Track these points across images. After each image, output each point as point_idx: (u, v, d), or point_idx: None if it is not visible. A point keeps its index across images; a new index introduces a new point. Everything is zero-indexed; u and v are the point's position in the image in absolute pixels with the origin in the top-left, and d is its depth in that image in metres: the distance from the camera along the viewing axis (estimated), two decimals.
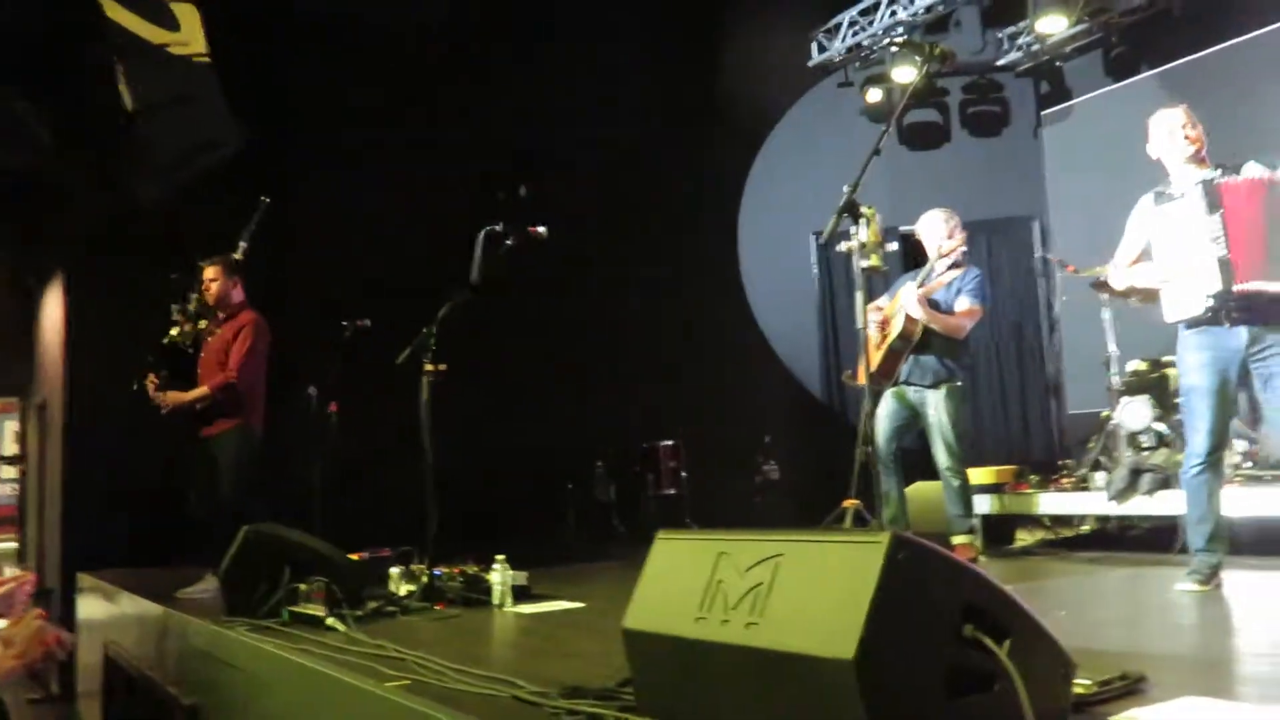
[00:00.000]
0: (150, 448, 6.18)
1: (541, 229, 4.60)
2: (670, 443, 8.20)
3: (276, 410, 5.66)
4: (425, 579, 4.24)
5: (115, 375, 5.72)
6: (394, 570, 4.50)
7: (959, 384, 5.03)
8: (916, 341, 5.00)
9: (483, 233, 4.50)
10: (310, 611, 3.72)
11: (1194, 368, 3.78)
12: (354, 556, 4.53)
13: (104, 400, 6.58)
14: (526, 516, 7.84)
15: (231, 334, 5.36)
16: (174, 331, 5.42)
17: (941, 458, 5.03)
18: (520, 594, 4.20)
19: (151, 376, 5.32)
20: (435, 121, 7.67)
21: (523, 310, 7.73)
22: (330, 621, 3.59)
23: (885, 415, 5.13)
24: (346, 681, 2.69)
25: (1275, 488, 4.56)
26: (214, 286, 5.41)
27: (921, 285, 5.04)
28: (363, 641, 3.21)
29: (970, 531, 5.07)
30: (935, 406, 4.99)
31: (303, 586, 3.81)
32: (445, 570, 4.36)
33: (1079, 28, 8.12)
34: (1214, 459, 3.77)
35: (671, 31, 8.07)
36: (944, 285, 5.09)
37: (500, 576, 4.14)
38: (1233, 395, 3.82)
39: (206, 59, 6.62)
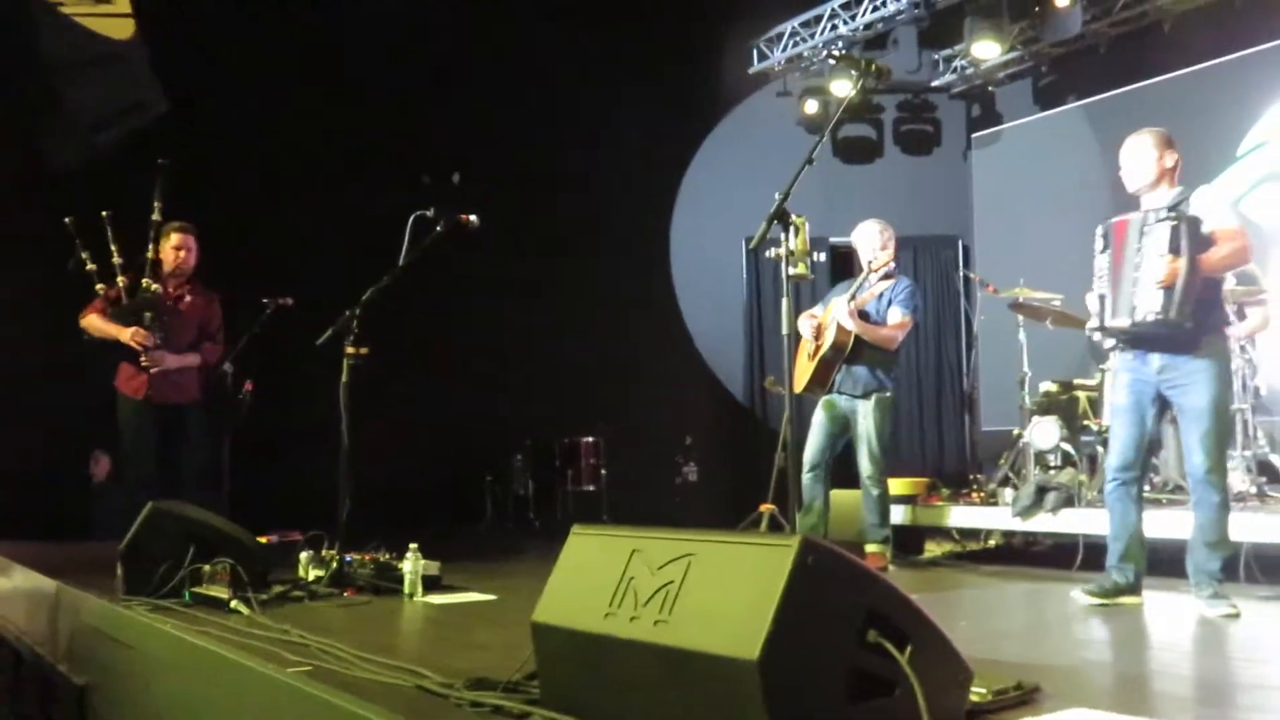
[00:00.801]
0: (32, 417, 6.01)
1: (474, 218, 4.56)
2: (591, 439, 8.20)
3: None
4: (335, 565, 4.17)
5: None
6: (303, 555, 4.42)
7: (888, 395, 5.14)
8: (848, 352, 5.08)
9: (413, 217, 4.44)
10: (213, 593, 3.63)
11: (1117, 387, 3.96)
12: (262, 539, 4.44)
13: None
14: (442, 507, 7.78)
15: (204, 305, 5.37)
16: (148, 284, 5.23)
17: (864, 466, 5.13)
18: (431, 584, 4.16)
19: (140, 331, 5.11)
20: (365, 101, 7.55)
21: (450, 299, 7.67)
22: (234, 604, 3.51)
23: (818, 426, 5.24)
24: (247, 666, 2.63)
25: (1171, 510, 4.73)
26: (186, 254, 5.33)
27: (853, 297, 5.13)
28: (266, 626, 3.15)
29: (884, 541, 5.17)
30: (865, 416, 5.09)
31: (207, 567, 3.72)
32: (356, 557, 4.30)
33: (1011, 55, 8.33)
34: (1126, 477, 3.87)
35: (613, 27, 8.07)
36: (875, 297, 5.19)
37: (412, 565, 4.09)
38: (1149, 417, 3.90)
39: (132, 20, 6.42)
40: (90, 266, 5.24)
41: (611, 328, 8.24)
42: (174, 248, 5.29)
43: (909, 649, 1.81)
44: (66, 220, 5.27)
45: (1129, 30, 7.78)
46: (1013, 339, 6.04)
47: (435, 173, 7.46)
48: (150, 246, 5.25)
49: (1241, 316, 5.28)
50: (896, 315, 5.11)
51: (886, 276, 5.20)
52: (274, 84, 7.21)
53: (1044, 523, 5.07)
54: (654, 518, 6.82)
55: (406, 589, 4.08)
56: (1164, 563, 4.21)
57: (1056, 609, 4.03)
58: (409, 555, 4.13)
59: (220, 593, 3.61)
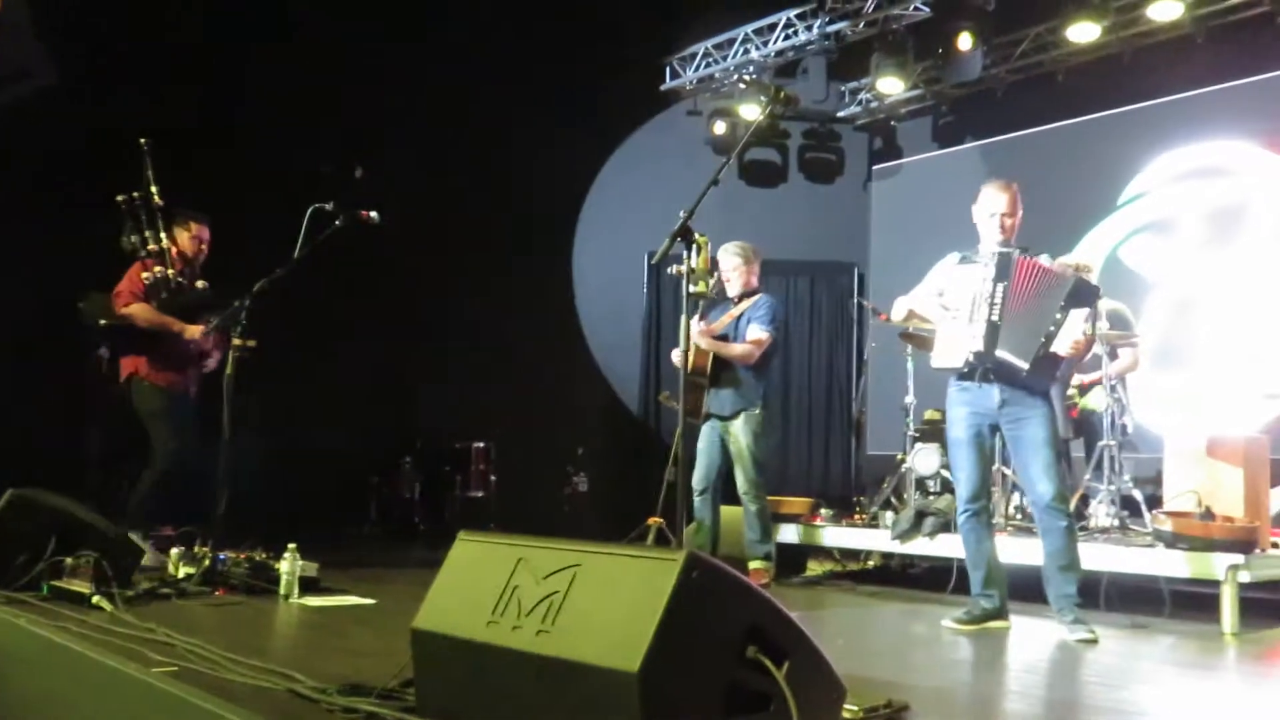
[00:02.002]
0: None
1: (374, 214, 4.49)
2: (482, 444, 8.12)
3: (61, 369, 5.28)
4: (207, 562, 4.04)
5: None
6: (174, 550, 4.28)
7: (757, 411, 5.25)
8: (711, 374, 5.19)
9: (310, 210, 4.35)
10: (74, 588, 3.48)
11: (955, 421, 4.07)
12: (131, 534, 4.27)
13: None
14: (326, 507, 7.59)
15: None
16: (204, 285, 5.16)
17: (741, 483, 5.22)
18: (309, 585, 4.06)
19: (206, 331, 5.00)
20: (267, 94, 7.35)
21: (344, 296, 7.51)
22: (96, 600, 3.37)
23: (700, 450, 5.33)
24: (108, 664, 2.52)
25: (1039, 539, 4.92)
26: (205, 246, 5.21)
27: (703, 317, 5.29)
28: (130, 623, 3.03)
29: (766, 557, 5.25)
30: (737, 434, 5.20)
31: (69, 560, 3.55)
32: (231, 555, 4.17)
33: (914, 92, 8.60)
34: (975, 508, 4.03)
35: (528, 33, 8.05)
36: (735, 317, 5.30)
37: (289, 566, 3.99)
38: (989, 448, 4.13)
39: None
40: (152, 247, 5.01)
41: (510, 334, 8.18)
42: (193, 238, 5.13)
43: (786, 665, 1.84)
44: (119, 199, 5.02)
45: (1025, 78, 8.11)
46: (900, 367, 6.22)
47: (336, 164, 7.30)
48: (162, 234, 5.03)
49: (1113, 357, 5.54)
50: (755, 332, 5.25)
51: (749, 295, 5.32)
52: (168, 65, 6.97)
53: (921, 546, 5.22)
54: (542, 527, 6.77)
55: (282, 590, 3.97)
56: (1032, 588, 4.38)
57: (928, 630, 4.15)
58: (286, 555, 4.03)
59: (82, 587, 3.45)
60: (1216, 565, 4.16)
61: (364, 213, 4.51)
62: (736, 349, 5.22)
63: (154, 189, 4.97)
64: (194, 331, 4.94)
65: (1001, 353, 3.86)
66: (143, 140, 5.03)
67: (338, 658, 2.82)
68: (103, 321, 5.04)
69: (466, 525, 5.93)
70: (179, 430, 4.97)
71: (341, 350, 7.68)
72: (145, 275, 4.97)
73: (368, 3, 7.68)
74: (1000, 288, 3.89)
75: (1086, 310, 3.94)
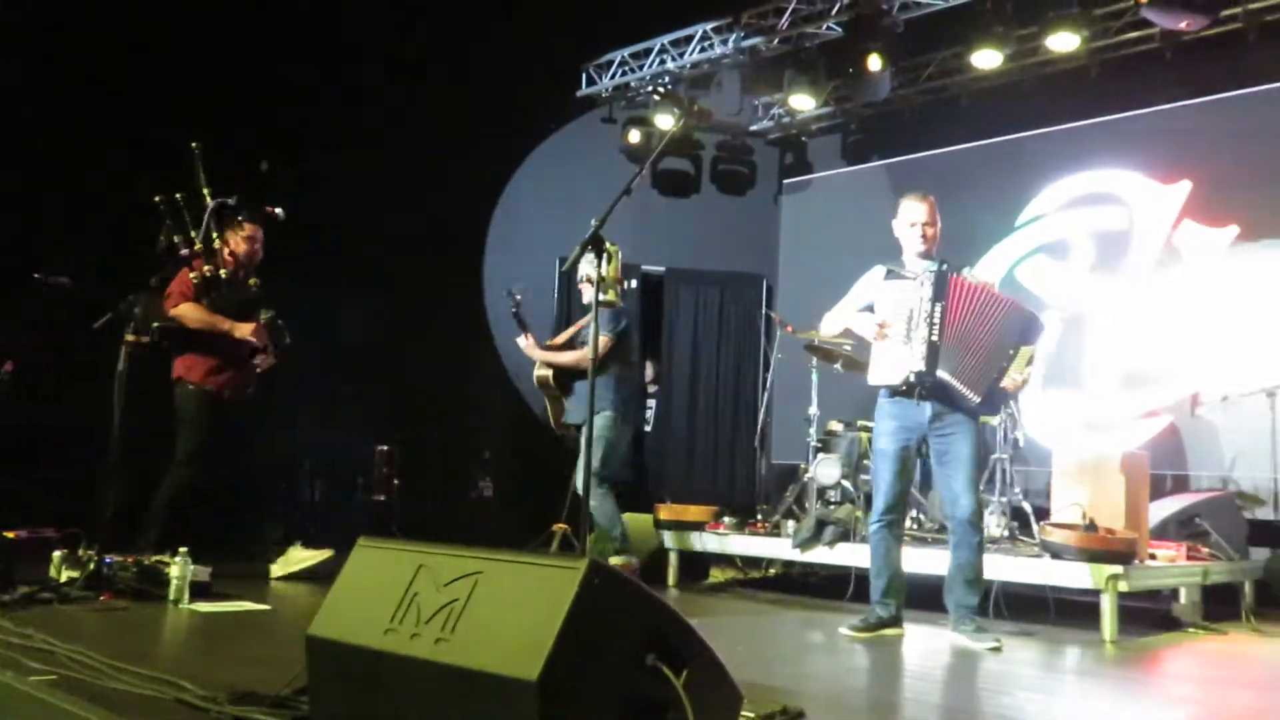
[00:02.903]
0: None
1: (279, 210, 4.40)
2: (385, 447, 7.99)
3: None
4: (92, 566, 3.89)
5: None
6: (57, 553, 4.10)
7: (605, 414, 5.28)
8: (559, 385, 5.33)
9: (213, 204, 4.23)
10: None
11: (884, 434, 4.12)
12: (9, 534, 4.09)
13: None
14: (221, 510, 7.37)
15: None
16: (255, 282, 4.99)
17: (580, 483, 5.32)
18: (200, 591, 3.95)
19: (260, 330, 4.84)
20: (169, 82, 7.13)
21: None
22: None
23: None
24: None
25: (936, 549, 5.06)
26: (259, 246, 5.01)
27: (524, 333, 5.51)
28: (6, 629, 2.90)
29: (621, 548, 5.34)
30: (586, 439, 5.25)
31: None
32: (118, 559, 4.02)
33: (824, 109, 8.78)
34: (890, 519, 4.14)
35: (444, 34, 7.97)
36: (582, 325, 5.38)
37: (180, 570, 3.87)
38: (912, 463, 4.23)
39: None
40: (187, 250, 4.75)
41: (416, 336, 8.08)
42: (247, 238, 4.92)
43: (685, 673, 1.86)
44: (157, 199, 4.75)
45: (932, 100, 8.35)
46: (805, 379, 6.33)
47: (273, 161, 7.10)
48: (214, 235, 4.81)
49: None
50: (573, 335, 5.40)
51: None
52: (78, 52, 6.71)
53: (821, 555, 5.32)
54: (445, 532, 6.71)
55: (172, 595, 3.85)
56: (926, 598, 4.50)
57: (825, 637, 4.23)
58: (177, 559, 3.91)
59: None
60: (1098, 576, 4.34)
61: (269, 208, 4.42)
62: (564, 357, 5.35)
63: (206, 190, 4.77)
64: (245, 330, 4.78)
65: (943, 374, 3.93)
66: (194, 144, 4.85)
67: (229, 665, 2.75)
68: (155, 324, 4.79)
69: (368, 529, 5.83)
70: (206, 441, 4.80)
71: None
72: (193, 275, 4.76)
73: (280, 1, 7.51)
74: (938, 308, 3.95)
75: (1030, 348, 4.06)
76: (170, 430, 5.10)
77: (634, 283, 8.90)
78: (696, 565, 6.12)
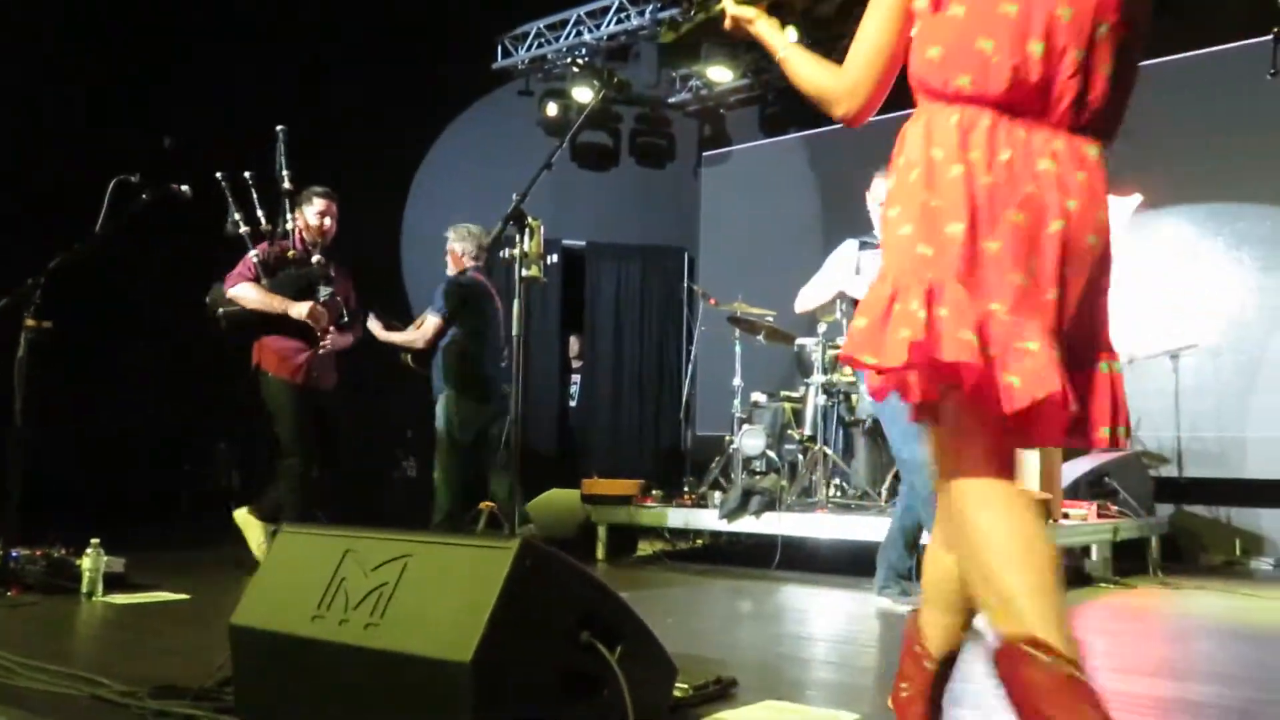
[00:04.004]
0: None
1: (185, 188, 4.25)
2: None
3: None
4: None
5: None
6: None
7: (446, 393, 5.29)
8: (417, 365, 5.41)
9: (114, 182, 4.06)
10: None
11: (903, 408, 3.93)
12: None
13: None
14: (133, 497, 7.16)
15: (344, 277, 4.87)
16: (319, 260, 4.70)
17: None
18: (114, 582, 3.83)
19: (317, 308, 4.54)
20: (66, 58, 6.83)
21: (152, 273, 7.07)
22: None
23: None
24: None
25: (858, 515, 5.16)
26: (332, 222, 4.78)
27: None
28: None
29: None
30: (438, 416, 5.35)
31: None
32: (25, 552, 3.87)
33: (742, 81, 8.79)
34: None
35: (352, 8, 7.77)
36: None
37: (92, 562, 3.74)
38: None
39: None
40: (245, 229, 4.56)
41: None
42: (319, 214, 4.72)
43: (619, 648, 1.86)
44: (219, 175, 4.55)
45: None
46: (729, 350, 6.37)
47: (175, 138, 6.86)
48: (289, 214, 4.63)
49: None
50: (424, 316, 5.41)
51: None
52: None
53: (748, 524, 5.38)
54: (370, 513, 6.62)
55: (85, 588, 3.73)
56: (846, 564, 4.59)
57: (754, 605, 4.28)
58: (89, 551, 3.78)
59: None
60: None
61: (173, 186, 4.26)
62: (399, 336, 5.40)
63: (286, 172, 4.61)
64: (300, 309, 4.52)
65: None
66: (280, 127, 4.69)
67: (148, 658, 2.67)
68: (220, 310, 4.62)
69: (289, 514, 5.69)
70: (303, 438, 4.61)
71: (149, 329, 7.24)
72: (254, 255, 4.55)
73: None
74: None
75: None
76: (68, 416, 4.92)
77: (554, 257, 8.85)
78: (625, 539, 6.14)
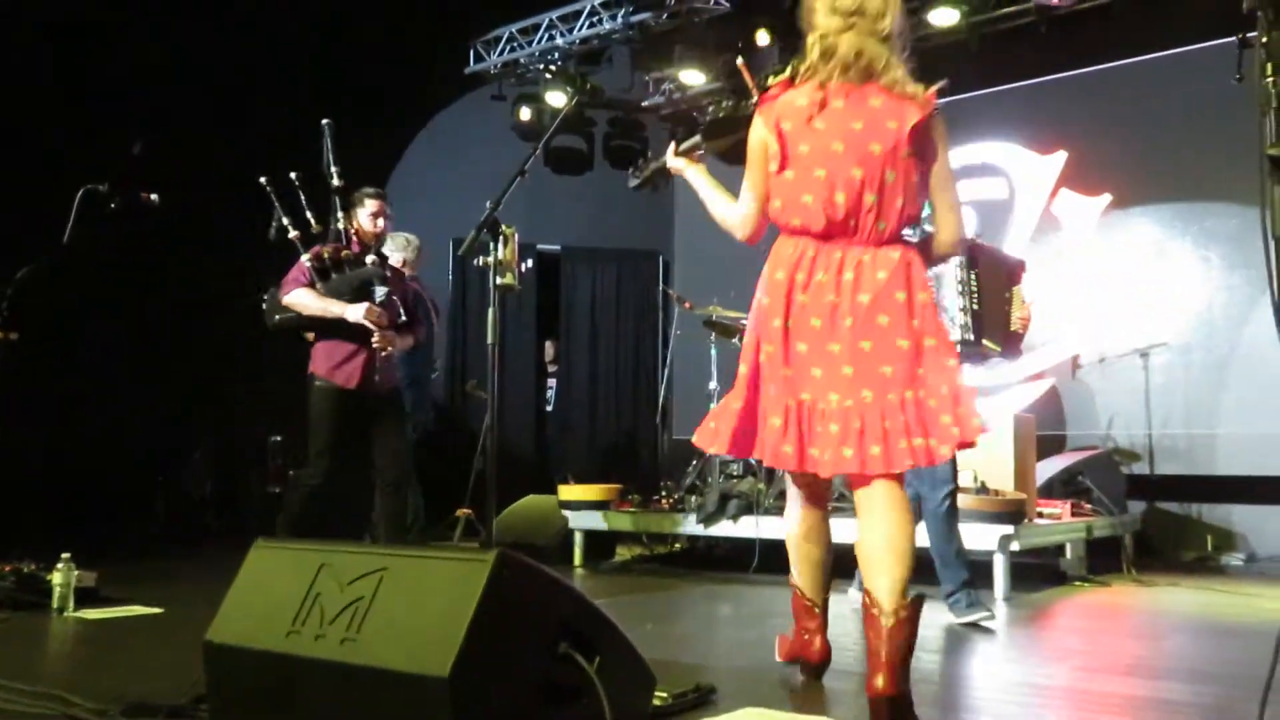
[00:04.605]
0: None
1: (154, 196, 4.20)
2: (279, 437, 7.77)
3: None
4: None
5: None
6: None
7: None
8: None
9: (82, 191, 4.02)
10: None
11: None
12: None
13: None
14: (106, 509, 7.08)
15: (400, 278, 4.67)
16: (373, 260, 4.47)
17: None
18: (86, 597, 3.78)
19: (373, 309, 4.31)
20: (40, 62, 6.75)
21: (126, 282, 7.00)
22: None
23: None
24: None
25: (837, 518, 5.16)
26: (386, 223, 4.56)
27: None
28: None
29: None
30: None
31: None
32: None
33: (715, 85, 8.80)
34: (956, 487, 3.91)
35: (326, 11, 7.72)
36: None
37: (63, 577, 3.69)
38: None
39: None
40: (294, 234, 4.41)
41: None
42: (372, 215, 4.50)
43: (598, 659, 1.86)
44: (262, 180, 4.44)
45: None
46: (705, 354, 6.37)
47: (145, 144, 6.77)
48: (338, 214, 4.44)
49: None
50: None
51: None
52: None
53: (726, 528, 5.38)
54: (349, 520, 6.56)
55: (55, 603, 3.68)
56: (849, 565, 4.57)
57: (733, 610, 4.28)
58: (60, 566, 3.72)
59: None
60: (990, 536, 4.49)
61: (143, 194, 4.22)
62: None
63: (335, 169, 4.45)
64: (356, 312, 4.29)
65: (987, 341, 3.82)
66: (325, 121, 4.55)
67: (121, 674, 2.64)
68: (277, 317, 4.49)
69: (264, 522, 5.67)
70: (331, 442, 4.37)
71: (122, 340, 7.17)
72: (307, 259, 4.38)
73: None
74: (973, 275, 3.83)
75: (1020, 286, 4.00)
76: (39, 427, 4.85)
77: (529, 262, 8.83)
78: (603, 544, 6.13)
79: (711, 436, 2.52)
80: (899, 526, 2.35)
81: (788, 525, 2.77)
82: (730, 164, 2.73)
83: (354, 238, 4.50)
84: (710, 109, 2.95)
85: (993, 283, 3.90)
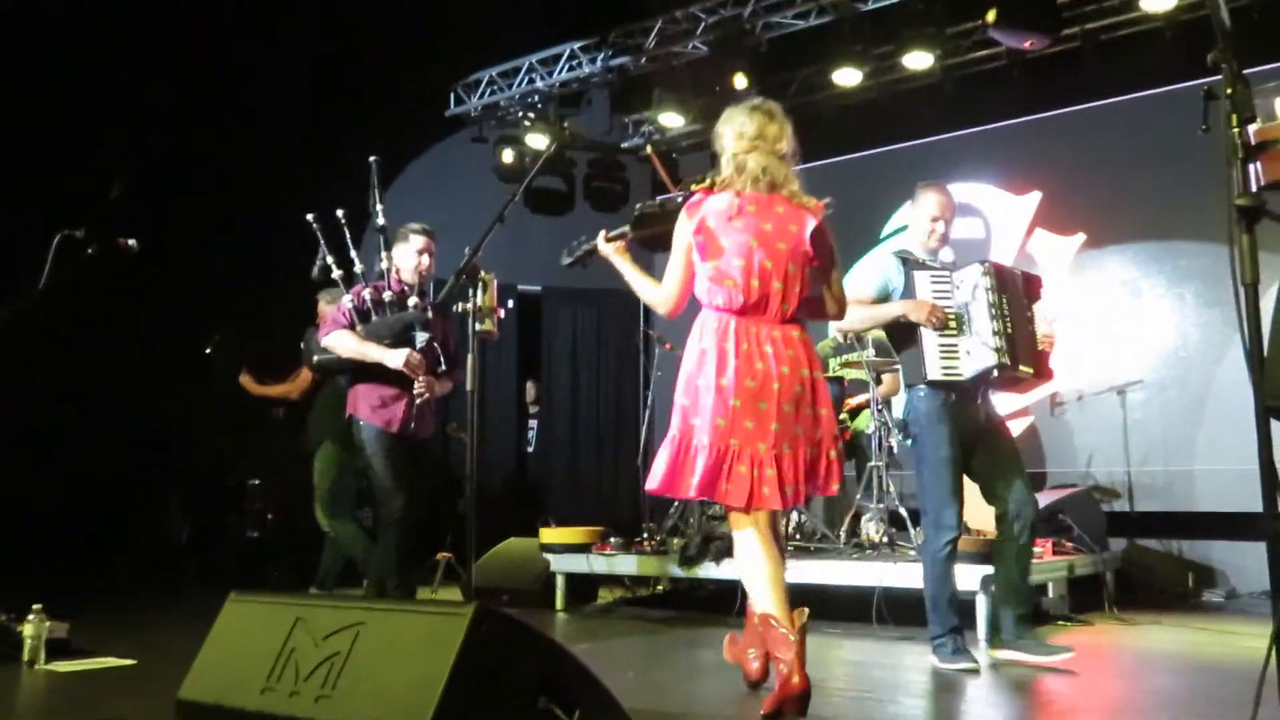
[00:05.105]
0: None
1: (132, 242, 4.18)
2: (257, 481, 7.69)
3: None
4: None
5: None
6: None
7: (326, 447, 5.50)
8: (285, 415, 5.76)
9: (59, 237, 4.00)
10: None
11: (943, 439, 3.73)
12: None
13: None
14: (79, 555, 6.97)
15: (442, 320, 4.45)
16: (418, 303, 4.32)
17: None
18: (58, 649, 3.71)
19: (414, 355, 4.18)
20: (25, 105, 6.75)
21: (103, 325, 6.95)
22: None
23: None
24: None
25: (818, 560, 5.15)
26: (431, 261, 4.39)
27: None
28: None
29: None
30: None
31: None
32: None
33: (694, 126, 8.89)
34: (958, 536, 3.76)
35: (310, 52, 7.76)
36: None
37: (34, 629, 3.62)
38: None
39: None
40: (337, 272, 4.37)
41: (285, 365, 7.81)
42: (418, 252, 4.35)
43: (578, 713, 1.83)
44: (310, 217, 4.39)
45: (796, 116, 8.44)
46: None
47: (123, 186, 6.75)
48: (382, 253, 4.33)
49: (879, 381, 5.90)
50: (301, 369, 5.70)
51: None
52: None
53: (708, 570, 5.35)
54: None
55: (26, 656, 3.61)
56: (816, 607, 4.54)
57: (715, 656, 4.23)
58: (31, 618, 3.66)
59: None
60: (972, 576, 4.48)
61: (121, 240, 4.19)
62: (275, 390, 5.83)
63: (380, 207, 4.42)
64: (396, 359, 4.15)
65: (1022, 365, 3.74)
66: (372, 159, 4.52)
67: None
68: (316, 358, 4.42)
69: (241, 569, 5.60)
70: (394, 475, 4.22)
71: (99, 382, 7.10)
72: (349, 300, 4.27)
73: (141, 17, 7.19)
74: (1004, 298, 3.78)
75: (1041, 305, 3.95)
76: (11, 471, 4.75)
77: (510, 304, 8.83)
78: (584, 587, 6.08)
79: (670, 481, 3.01)
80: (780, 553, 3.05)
81: (751, 554, 3.02)
82: (651, 251, 3.32)
83: (395, 277, 4.37)
84: (638, 206, 3.33)
85: (1017, 303, 3.84)
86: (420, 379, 4.20)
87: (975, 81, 7.61)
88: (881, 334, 6.39)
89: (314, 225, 4.47)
